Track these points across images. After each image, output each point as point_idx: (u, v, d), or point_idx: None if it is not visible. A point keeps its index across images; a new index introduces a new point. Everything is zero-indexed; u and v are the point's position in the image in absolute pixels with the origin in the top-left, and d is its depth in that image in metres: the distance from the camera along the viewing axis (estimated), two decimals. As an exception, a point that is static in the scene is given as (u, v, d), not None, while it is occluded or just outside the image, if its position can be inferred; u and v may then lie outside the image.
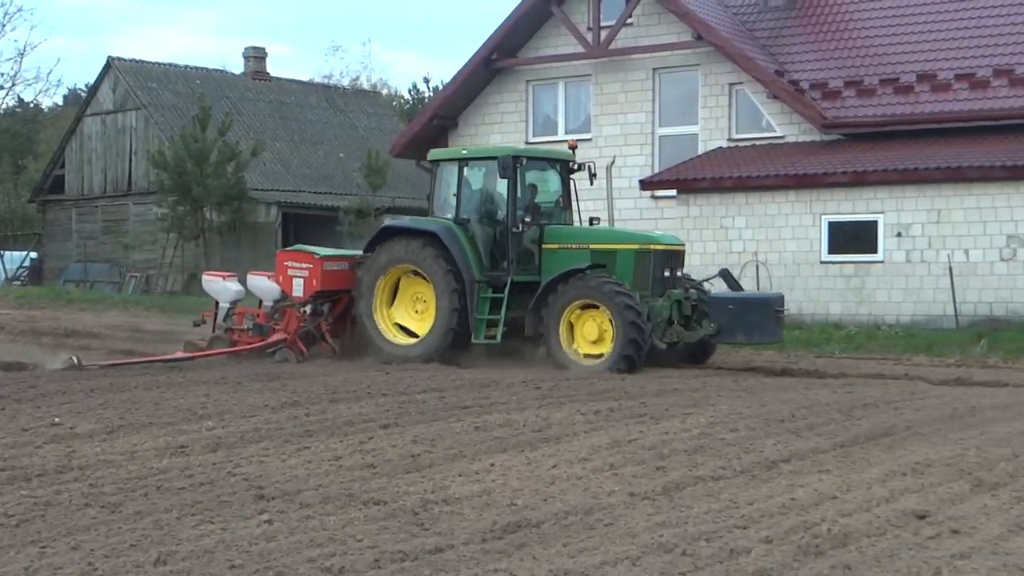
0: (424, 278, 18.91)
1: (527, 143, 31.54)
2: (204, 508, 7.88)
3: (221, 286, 19.97)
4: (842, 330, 23.60)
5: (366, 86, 57.19)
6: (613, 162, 21.04)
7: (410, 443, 10.45)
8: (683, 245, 20.15)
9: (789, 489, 8.77)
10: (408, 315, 19.34)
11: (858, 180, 25.08)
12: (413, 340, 18.97)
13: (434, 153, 20.64)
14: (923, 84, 27.18)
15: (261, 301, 19.91)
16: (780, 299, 19.20)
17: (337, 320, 19.72)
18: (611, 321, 17.60)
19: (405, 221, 20.59)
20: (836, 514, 7.95)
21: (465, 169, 19.45)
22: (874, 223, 24.93)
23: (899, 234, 24.59)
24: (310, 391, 14.28)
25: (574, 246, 18.95)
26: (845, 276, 25.07)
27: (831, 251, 25.37)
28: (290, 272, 19.26)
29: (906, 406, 13.50)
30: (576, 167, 20.03)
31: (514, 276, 18.60)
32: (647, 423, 11.83)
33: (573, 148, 20.47)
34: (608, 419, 12.14)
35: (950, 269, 23.65)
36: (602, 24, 30.43)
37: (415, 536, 7.24)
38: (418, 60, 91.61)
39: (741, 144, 29.02)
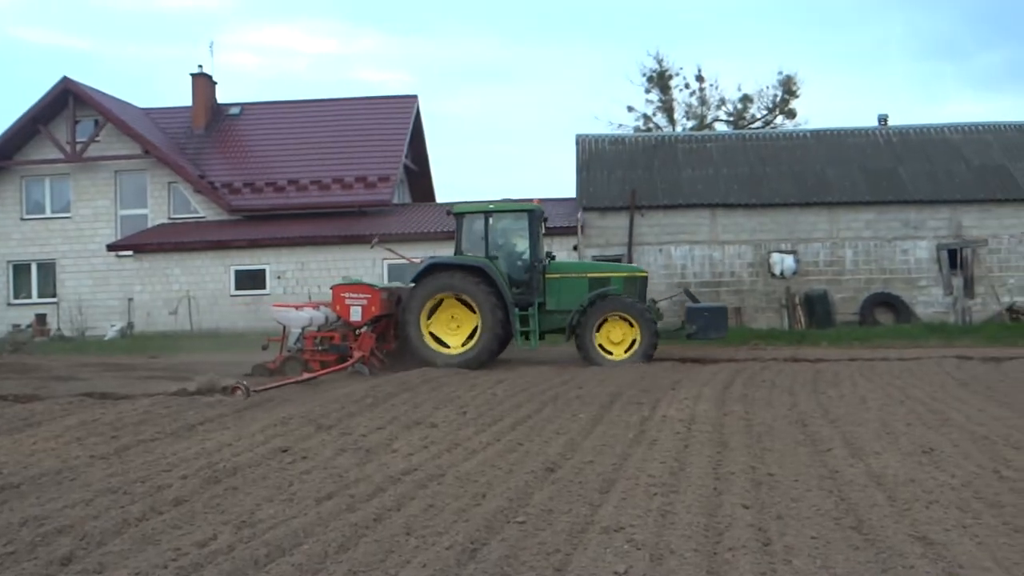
0: (463, 302, 15.69)
1: (22, 219, 27.95)
2: None
3: (294, 315, 15.44)
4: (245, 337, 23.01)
5: None
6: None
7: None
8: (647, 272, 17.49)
9: (201, 443, 8.33)
10: (445, 331, 15.79)
11: (253, 244, 24.75)
12: (452, 350, 15.59)
13: (461, 207, 16.68)
14: (292, 186, 27.37)
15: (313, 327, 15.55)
16: (727, 308, 17.71)
17: (378, 338, 15.76)
18: (638, 330, 15.41)
19: (449, 258, 16.29)
20: (230, 455, 7.68)
21: (490, 219, 16.08)
22: (264, 270, 24.67)
23: (279, 277, 24.53)
24: None
25: (574, 275, 16.30)
26: (246, 304, 24.54)
27: (237, 288, 24.77)
28: (347, 301, 15.45)
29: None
30: (546, 218, 17.20)
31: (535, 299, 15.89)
32: (107, 407, 10.73)
33: (539, 204, 17.02)
34: (80, 406, 10.89)
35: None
36: (78, 140, 27.57)
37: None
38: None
39: (178, 221, 27.48)
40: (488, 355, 15.55)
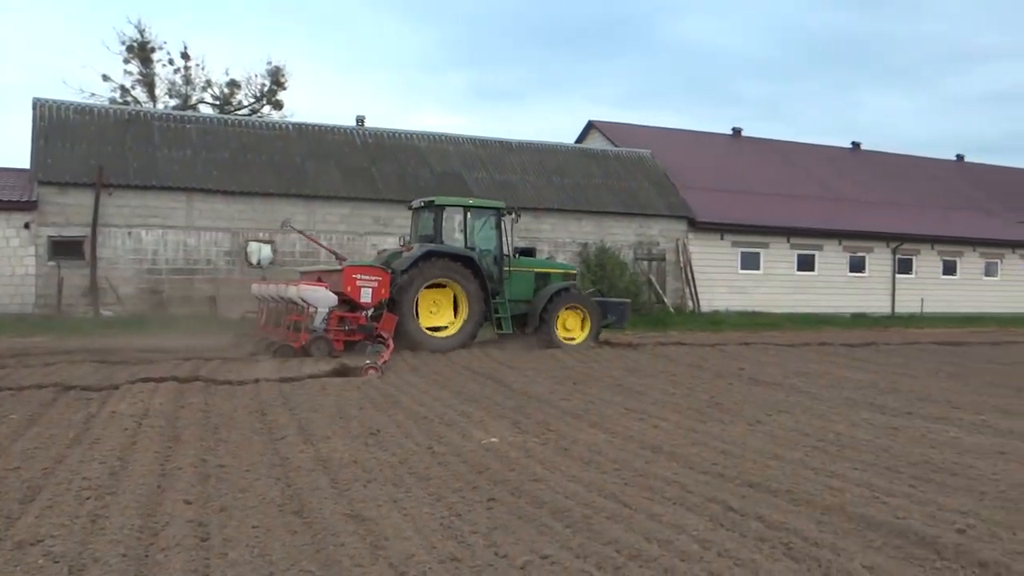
0: (446, 288, 16.18)
1: None
2: None
3: (323, 294, 14.64)
4: None
5: None
6: (517, 216, 17.54)
7: None
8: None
9: None
10: (425, 315, 16.02)
11: None
12: (439, 334, 16.01)
13: (441, 199, 16.99)
14: None
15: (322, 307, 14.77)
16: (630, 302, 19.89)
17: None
18: (588, 318, 17.31)
19: (444, 247, 16.31)
20: None
21: (469, 214, 16.89)
22: None
23: None
24: None
25: (523, 270, 17.45)
26: None
27: None
28: (359, 283, 15.19)
29: None
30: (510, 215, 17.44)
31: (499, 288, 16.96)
32: None
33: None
34: None
35: None
36: None
37: None
38: None
39: None
40: (470, 340, 16.25)
